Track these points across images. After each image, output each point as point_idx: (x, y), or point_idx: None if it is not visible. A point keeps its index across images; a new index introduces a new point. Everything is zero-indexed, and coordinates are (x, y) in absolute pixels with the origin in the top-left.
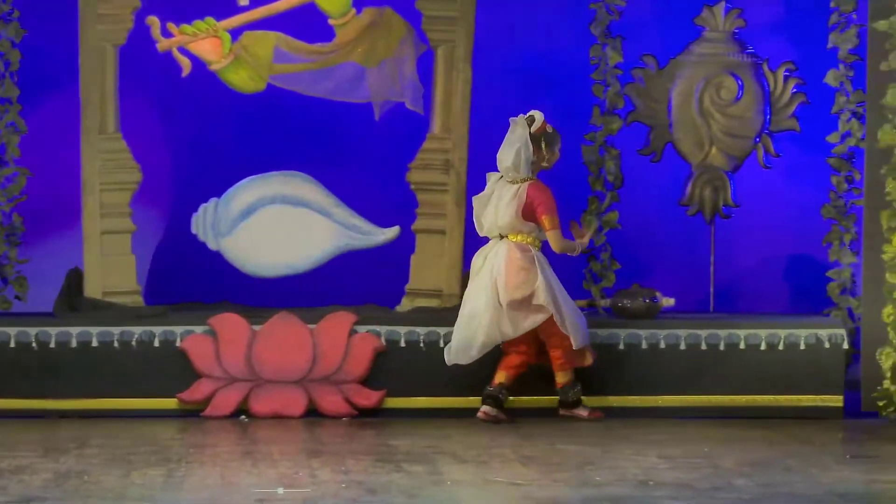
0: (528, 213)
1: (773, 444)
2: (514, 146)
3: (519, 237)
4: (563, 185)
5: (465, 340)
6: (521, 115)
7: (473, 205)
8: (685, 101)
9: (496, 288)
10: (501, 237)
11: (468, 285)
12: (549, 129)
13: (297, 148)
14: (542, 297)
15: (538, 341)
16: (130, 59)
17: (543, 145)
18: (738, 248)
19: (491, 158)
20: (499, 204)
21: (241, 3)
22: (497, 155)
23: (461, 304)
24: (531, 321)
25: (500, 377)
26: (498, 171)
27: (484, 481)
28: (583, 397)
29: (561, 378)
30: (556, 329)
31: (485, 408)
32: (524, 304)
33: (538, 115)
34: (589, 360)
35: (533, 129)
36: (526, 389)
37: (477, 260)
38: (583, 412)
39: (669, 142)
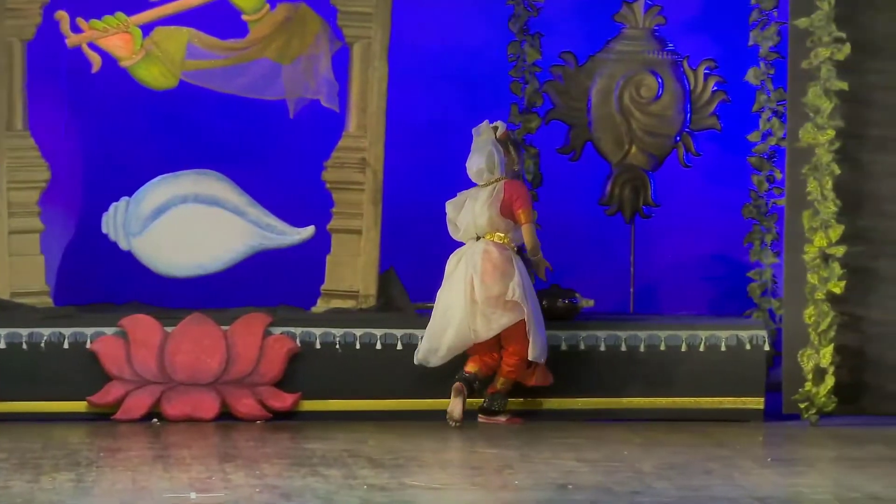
0: (506, 211)
1: (694, 448)
2: (486, 149)
3: (496, 237)
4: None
5: (435, 340)
6: (486, 121)
7: (447, 209)
8: (605, 100)
9: (472, 286)
10: (478, 238)
11: (441, 286)
12: (513, 134)
13: (211, 146)
14: (518, 294)
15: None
16: (39, 54)
17: (511, 149)
18: (659, 248)
19: (407, 156)
20: (475, 205)
21: None
22: (467, 164)
23: (434, 306)
24: (507, 319)
25: (472, 367)
26: (465, 190)
27: (400, 485)
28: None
29: (499, 384)
30: (521, 334)
31: (458, 384)
32: (500, 301)
33: (501, 124)
34: (534, 381)
35: (497, 134)
36: (445, 393)
37: (451, 261)
38: (502, 418)
39: (589, 140)
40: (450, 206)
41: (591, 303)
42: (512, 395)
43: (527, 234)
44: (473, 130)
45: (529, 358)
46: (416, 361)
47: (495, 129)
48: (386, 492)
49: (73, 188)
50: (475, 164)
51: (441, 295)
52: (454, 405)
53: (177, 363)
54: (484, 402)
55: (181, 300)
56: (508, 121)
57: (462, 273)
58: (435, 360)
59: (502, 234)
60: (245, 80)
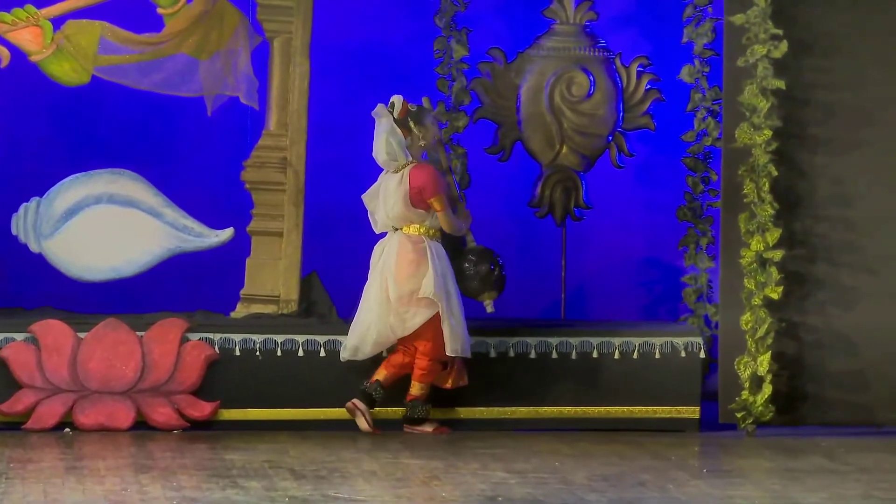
0: (416, 199)
1: (627, 458)
2: (381, 136)
3: (412, 228)
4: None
5: (359, 337)
6: (380, 104)
7: (364, 202)
8: (535, 98)
9: (387, 282)
10: (395, 230)
11: (367, 279)
12: (413, 107)
13: (125, 144)
14: (429, 290)
15: None
16: None
17: (412, 125)
18: (591, 251)
19: (330, 156)
20: (386, 196)
21: None
22: (372, 154)
23: (361, 299)
24: (420, 317)
25: (379, 374)
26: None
27: (323, 497)
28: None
29: (415, 390)
30: (432, 333)
31: (354, 400)
32: (412, 298)
33: (397, 99)
34: (450, 384)
35: (396, 113)
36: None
37: (374, 254)
38: (428, 427)
39: (518, 140)
40: (366, 199)
41: (490, 308)
42: (436, 403)
43: (444, 222)
44: (372, 114)
45: (448, 353)
46: (342, 358)
47: (392, 107)
48: None
49: None
50: (377, 153)
51: (366, 289)
52: (359, 423)
53: (90, 370)
54: (406, 410)
55: (95, 305)
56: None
57: (379, 269)
58: (362, 356)
59: (417, 225)
60: (161, 76)
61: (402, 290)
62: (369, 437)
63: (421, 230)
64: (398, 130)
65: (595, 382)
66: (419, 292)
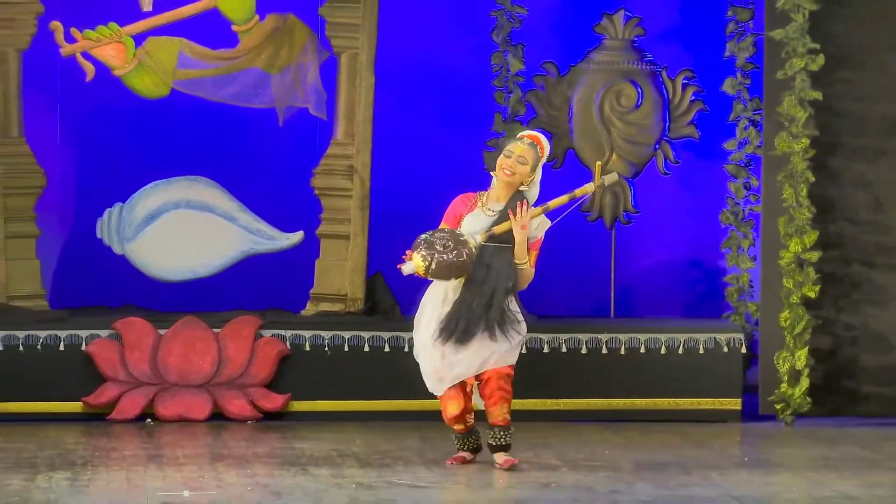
0: None
1: (673, 448)
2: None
3: None
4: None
5: None
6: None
7: None
8: (586, 108)
9: None
10: None
11: None
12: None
13: (202, 153)
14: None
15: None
16: (34, 64)
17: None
18: (639, 253)
19: (394, 164)
20: None
21: (144, 9)
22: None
23: None
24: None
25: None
26: None
27: (387, 483)
28: None
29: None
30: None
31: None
32: None
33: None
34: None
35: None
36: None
37: None
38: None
39: (570, 149)
40: None
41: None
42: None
43: None
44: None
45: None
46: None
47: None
48: (373, 490)
49: (67, 194)
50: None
51: None
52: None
53: (169, 365)
54: (500, 441)
55: (174, 304)
56: (492, 129)
57: None
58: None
59: None
60: (235, 89)
61: None
62: (430, 427)
63: None
64: None
65: (642, 376)
66: None
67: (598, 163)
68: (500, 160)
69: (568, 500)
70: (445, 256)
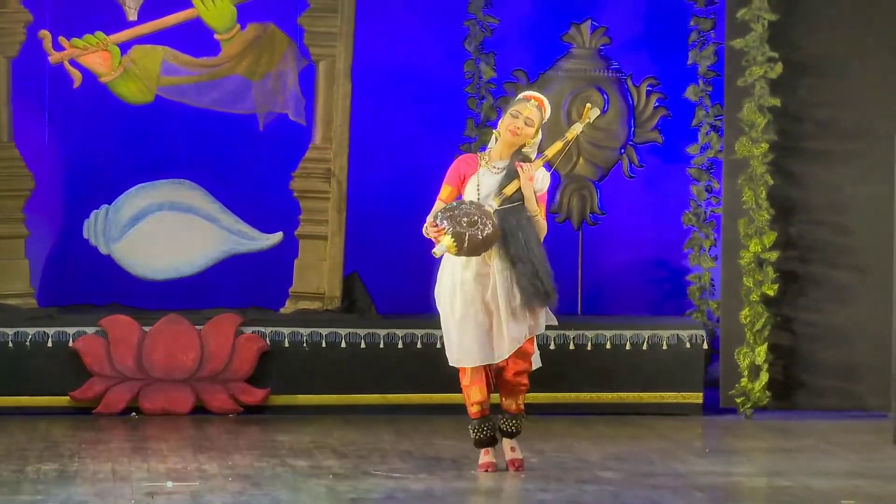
0: None
1: (638, 439)
2: None
3: None
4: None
5: None
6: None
7: None
8: (554, 114)
9: None
10: None
11: None
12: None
13: (185, 157)
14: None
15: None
16: (23, 71)
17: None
18: (605, 253)
19: (370, 167)
20: None
21: (129, 19)
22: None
23: None
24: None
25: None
26: None
27: (363, 474)
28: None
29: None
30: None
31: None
32: None
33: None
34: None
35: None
36: (404, 388)
37: None
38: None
39: (540, 152)
40: None
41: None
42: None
43: None
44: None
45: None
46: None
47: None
48: (350, 480)
49: (55, 196)
50: None
51: None
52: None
53: (154, 360)
54: (512, 427)
55: (158, 302)
56: (465, 134)
57: None
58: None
59: None
60: (217, 96)
61: None
62: (405, 420)
63: None
64: None
65: (608, 371)
66: None
67: (588, 105)
68: (508, 120)
69: (537, 490)
70: (475, 232)
